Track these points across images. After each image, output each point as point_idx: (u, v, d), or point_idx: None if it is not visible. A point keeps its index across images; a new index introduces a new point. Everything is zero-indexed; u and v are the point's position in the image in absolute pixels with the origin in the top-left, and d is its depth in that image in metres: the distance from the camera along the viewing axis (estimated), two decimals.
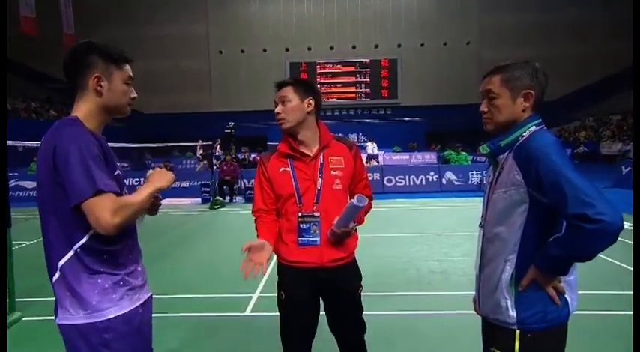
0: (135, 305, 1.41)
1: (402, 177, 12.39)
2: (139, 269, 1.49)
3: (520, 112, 1.44)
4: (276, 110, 1.92)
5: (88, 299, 1.32)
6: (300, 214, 1.90)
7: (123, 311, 1.35)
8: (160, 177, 1.43)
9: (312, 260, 1.90)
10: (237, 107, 29.52)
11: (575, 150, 21.47)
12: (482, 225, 1.54)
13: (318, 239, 1.90)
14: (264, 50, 31.25)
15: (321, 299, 2.05)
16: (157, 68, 30.50)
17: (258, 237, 1.93)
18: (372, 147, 19.09)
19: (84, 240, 1.32)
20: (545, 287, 1.37)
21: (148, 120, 27.43)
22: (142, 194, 1.35)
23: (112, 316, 1.33)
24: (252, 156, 16.70)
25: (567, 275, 1.38)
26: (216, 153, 14.69)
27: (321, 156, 1.94)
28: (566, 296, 1.40)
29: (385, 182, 12.23)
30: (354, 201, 1.77)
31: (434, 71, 30.62)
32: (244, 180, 11.81)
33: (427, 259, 5.23)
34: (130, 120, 29.11)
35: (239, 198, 11.41)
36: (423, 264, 5.02)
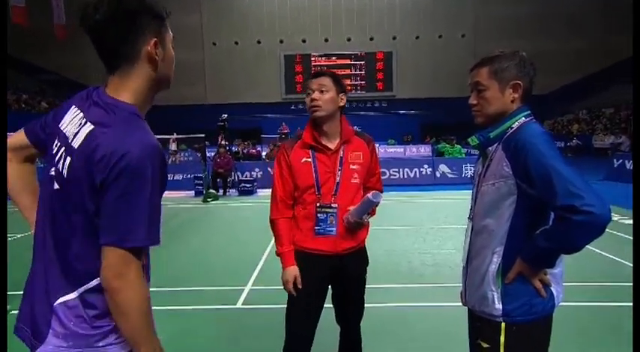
0: None
1: (396, 169, 12.41)
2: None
3: (509, 103, 1.44)
4: (313, 96, 1.95)
5: (93, 338, 1.06)
6: (318, 204, 1.97)
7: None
8: None
9: (327, 248, 1.98)
10: (231, 99, 29.34)
11: (568, 144, 21.61)
12: (470, 218, 1.54)
13: (334, 229, 1.98)
14: (259, 42, 31.01)
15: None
16: None
17: (280, 244, 2.01)
18: None
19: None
20: (532, 279, 1.37)
21: (152, 112, 27.19)
22: (147, 337, 1.04)
23: None
24: (247, 149, 16.63)
25: (554, 267, 1.38)
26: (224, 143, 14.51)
27: (342, 150, 2.01)
28: (552, 288, 1.40)
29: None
30: (371, 196, 1.86)
31: (429, 64, 30.60)
32: (238, 172, 11.78)
33: (420, 252, 5.26)
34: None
35: (232, 191, 11.38)
36: (416, 257, 5.05)
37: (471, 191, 1.57)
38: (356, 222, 1.95)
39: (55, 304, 1.06)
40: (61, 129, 1.10)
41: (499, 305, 1.40)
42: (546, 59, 24.27)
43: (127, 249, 0.98)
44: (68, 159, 1.04)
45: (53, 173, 1.08)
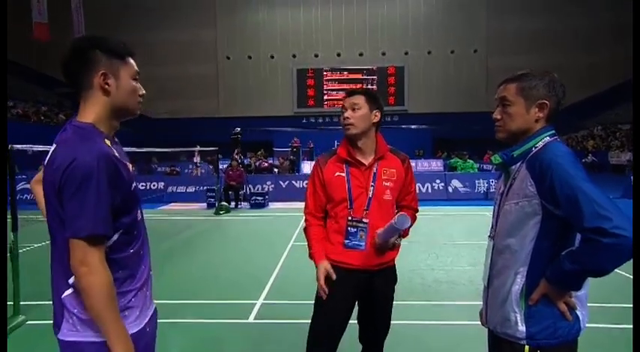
0: (143, 325, 1.32)
1: None
2: (149, 280, 1.40)
3: (533, 122, 1.42)
4: (346, 115, 2.00)
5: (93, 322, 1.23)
6: (350, 218, 1.99)
7: (132, 331, 1.27)
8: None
9: (355, 262, 1.99)
10: (244, 113, 29.67)
11: (584, 160, 21.28)
12: (491, 236, 1.51)
13: (364, 244, 1.99)
14: (272, 56, 31.45)
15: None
16: (165, 73, 30.78)
17: (312, 241, 2.05)
18: None
19: None
20: (557, 301, 1.33)
21: (155, 126, 27.64)
22: (113, 332, 1.19)
23: None
24: (258, 162, 16.73)
25: (579, 290, 1.34)
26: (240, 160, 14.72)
27: (376, 167, 2.04)
28: (577, 311, 1.36)
29: None
30: (394, 222, 1.84)
31: (441, 78, 30.64)
32: (250, 185, 11.82)
33: (433, 268, 5.18)
34: (137, 125, 29.29)
35: (244, 204, 11.41)
36: (429, 273, 4.97)
37: (489, 207, 1.55)
38: (380, 245, 1.96)
39: (62, 297, 1.26)
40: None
41: (522, 327, 1.36)
42: (558, 74, 23.88)
43: (82, 238, 1.16)
44: (44, 175, 1.27)
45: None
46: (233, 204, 11.13)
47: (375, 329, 2.13)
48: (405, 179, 2.09)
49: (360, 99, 2.01)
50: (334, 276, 1.94)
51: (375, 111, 2.03)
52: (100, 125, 1.27)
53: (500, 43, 29.55)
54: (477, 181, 12.00)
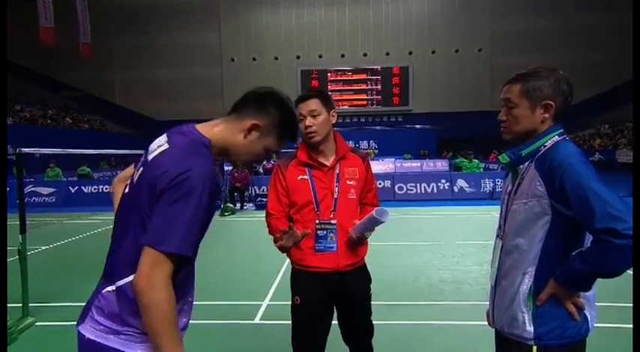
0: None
1: (413, 184, 12.30)
2: (191, 300, 1.34)
3: (539, 123, 1.40)
4: (307, 123, 1.94)
5: (135, 325, 1.17)
6: (317, 221, 1.96)
7: None
8: None
9: (328, 265, 1.96)
10: None
11: (591, 158, 21.14)
12: (500, 236, 1.50)
13: (334, 245, 1.96)
14: (276, 58, 31.53)
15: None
16: (170, 76, 30.95)
17: (274, 233, 1.96)
18: None
19: None
20: (565, 302, 1.32)
21: (160, 127, 27.65)
22: (169, 343, 1.11)
23: None
24: (264, 163, 16.75)
25: (588, 291, 1.33)
26: None
27: (338, 167, 2.02)
28: (585, 312, 1.35)
29: (396, 190, 12.16)
30: (375, 214, 1.84)
31: (445, 78, 30.55)
32: (255, 187, 11.85)
33: (438, 268, 5.16)
34: (142, 128, 29.47)
35: (250, 205, 11.43)
36: (435, 273, 4.95)
37: (494, 206, 1.54)
38: (358, 237, 1.95)
39: (102, 291, 1.21)
40: (148, 152, 1.29)
41: (530, 328, 1.35)
42: (564, 72, 23.95)
43: (160, 251, 1.08)
44: (141, 169, 1.23)
45: (128, 182, 1.30)
46: (238, 205, 11.15)
47: (357, 330, 2.10)
48: (366, 177, 2.08)
49: (316, 104, 1.95)
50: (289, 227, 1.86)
51: (331, 112, 2.00)
52: (216, 144, 1.26)
53: (505, 43, 29.41)
54: (482, 181, 11.95)
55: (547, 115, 1.39)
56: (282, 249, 1.92)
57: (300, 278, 2.02)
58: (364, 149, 28.09)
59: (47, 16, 18.96)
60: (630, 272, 4.27)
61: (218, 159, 1.31)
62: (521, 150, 1.41)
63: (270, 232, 2.03)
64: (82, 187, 12.89)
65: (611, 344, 3.09)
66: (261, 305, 4.04)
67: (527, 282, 1.37)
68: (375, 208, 1.90)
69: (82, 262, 5.71)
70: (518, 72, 1.44)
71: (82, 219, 9.83)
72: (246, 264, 5.62)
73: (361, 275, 2.07)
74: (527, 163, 1.41)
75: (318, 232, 1.96)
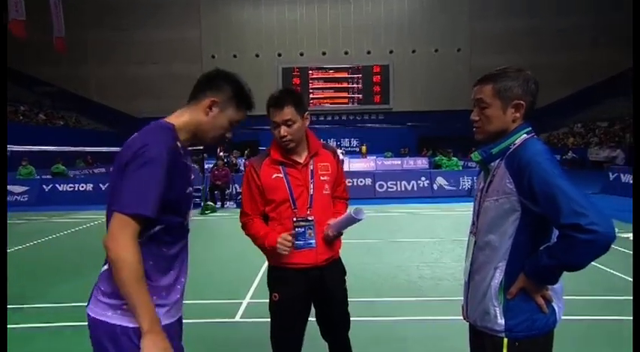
0: (171, 321, 1.36)
1: (394, 182, 12.44)
2: (183, 280, 1.44)
3: (510, 122, 1.45)
4: (282, 133, 1.93)
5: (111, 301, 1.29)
6: (295, 218, 1.98)
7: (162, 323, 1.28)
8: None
9: (307, 261, 1.99)
10: None
11: (564, 156, 21.74)
12: (473, 232, 1.54)
13: (313, 241, 2.00)
14: (257, 55, 31.31)
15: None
16: (149, 72, 30.38)
17: (258, 233, 2.01)
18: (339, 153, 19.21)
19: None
20: (534, 295, 1.38)
21: (139, 125, 27.09)
22: (139, 306, 1.20)
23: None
24: (242, 160, 16.67)
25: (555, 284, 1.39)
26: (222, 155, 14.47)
27: (312, 164, 2.05)
28: (553, 304, 1.41)
29: (377, 187, 12.27)
30: (352, 213, 1.91)
31: (425, 77, 30.92)
32: (236, 185, 11.77)
33: (418, 265, 5.24)
34: (121, 125, 28.84)
35: (230, 203, 11.35)
36: (414, 270, 5.03)
37: (472, 205, 1.58)
38: (334, 235, 2.00)
39: (101, 272, 1.33)
40: None
41: (501, 321, 1.40)
42: (540, 73, 24.25)
43: (124, 214, 1.21)
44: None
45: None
46: (219, 203, 11.06)
47: (334, 324, 2.14)
48: (337, 171, 2.12)
49: (290, 114, 1.92)
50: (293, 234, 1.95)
51: (305, 115, 1.99)
52: (179, 131, 1.38)
53: (483, 43, 29.95)
54: (461, 178, 12.17)
55: (518, 115, 1.44)
56: (273, 250, 1.94)
57: (278, 275, 2.04)
58: (347, 147, 28.22)
59: (18, 8, 18.31)
60: (598, 265, 4.40)
61: (186, 143, 1.41)
62: (492, 149, 1.46)
63: (250, 233, 2.06)
64: (57, 185, 12.56)
65: (578, 335, 3.21)
66: (241, 303, 4.03)
67: (499, 277, 1.41)
68: (353, 207, 1.95)
69: (58, 262, 5.58)
70: (487, 73, 1.48)
71: (56, 218, 9.58)
72: (227, 263, 5.59)
73: (337, 268, 2.12)
74: (497, 161, 1.45)
75: (297, 229, 1.98)
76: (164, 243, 1.33)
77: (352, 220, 1.93)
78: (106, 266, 1.30)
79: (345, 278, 2.16)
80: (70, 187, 12.53)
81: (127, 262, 1.19)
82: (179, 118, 1.41)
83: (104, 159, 21.75)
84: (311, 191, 2.01)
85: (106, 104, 30.46)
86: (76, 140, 19.82)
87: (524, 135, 1.43)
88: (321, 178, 2.04)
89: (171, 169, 1.26)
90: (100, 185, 12.39)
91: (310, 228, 1.99)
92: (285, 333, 2.05)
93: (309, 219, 1.99)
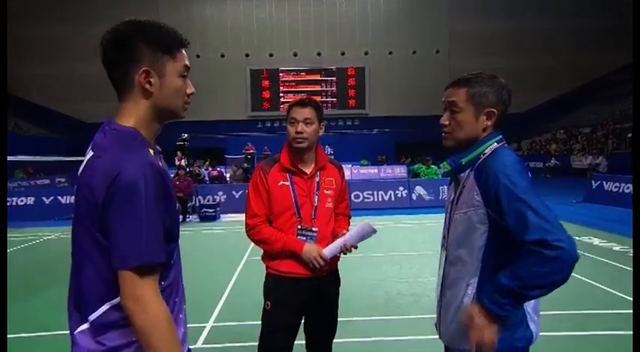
0: None
1: (370, 192, 12.57)
2: (182, 317, 1.30)
3: (481, 131, 1.49)
4: (299, 129, 2.12)
5: None
6: (299, 227, 2.15)
7: None
8: None
9: (308, 271, 2.12)
10: (192, 117, 28.95)
11: (547, 164, 22.54)
12: (444, 246, 1.57)
13: None
14: (222, 55, 31.14)
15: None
16: (101, 73, 29.37)
17: (274, 236, 2.10)
18: None
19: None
20: (474, 330, 1.33)
21: (90, 131, 26.43)
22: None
23: None
24: (208, 170, 16.45)
25: (527, 302, 1.39)
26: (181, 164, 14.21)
27: (318, 176, 2.23)
28: (528, 320, 1.44)
29: (352, 197, 12.35)
30: (371, 225, 2.12)
31: (403, 80, 31.46)
32: (199, 196, 11.61)
33: (396, 280, 5.30)
34: (71, 131, 27.92)
35: (193, 217, 11.18)
36: (392, 286, 5.08)
37: (444, 218, 1.61)
38: (352, 246, 2.14)
39: (75, 334, 1.16)
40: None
41: None
42: (521, 76, 25.51)
43: (132, 269, 1.06)
44: (75, 188, 1.17)
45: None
46: (181, 217, 10.87)
47: (321, 334, 2.29)
48: (341, 187, 2.31)
49: (311, 114, 2.16)
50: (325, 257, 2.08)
51: (321, 124, 2.22)
52: (141, 129, 1.19)
53: (463, 44, 30.80)
54: (441, 188, 12.38)
55: (489, 123, 1.48)
56: (290, 254, 2.09)
57: (276, 284, 2.16)
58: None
59: None
60: (585, 279, 4.54)
61: (153, 140, 1.24)
62: (462, 158, 1.50)
63: (262, 237, 2.13)
64: None
65: (567, 350, 3.32)
66: (204, 327, 3.96)
67: (470, 293, 1.44)
68: (366, 219, 2.16)
69: None
70: (461, 76, 1.53)
71: None
72: (189, 283, 5.44)
73: (334, 277, 2.30)
74: (467, 171, 1.49)
75: (300, 238, 2.13)
76: (161, 277, 1.17)
77: (372, 231, 2.12)
78: (85, 326, 1.15)
79: (339, 288, 2.34)
80: (7, 202, 12.02)
81: (161, 325, 1.07)
82: (130, 117, 1.19)
83: (48, 170, 20.99)
84: (315, 202, 2.17)
85: (52, 107, 29.47)
86: (15, 148, 19.07)
87: (495, 144, 1.47)
88: (325, 192, 2.21)
89: (157, 192, 1.10)
90: (44, 198, 11.96)
91: (312, 239, 2.14)
92: (274, 343, 2.15)
93: (314, 230, 2.15)
